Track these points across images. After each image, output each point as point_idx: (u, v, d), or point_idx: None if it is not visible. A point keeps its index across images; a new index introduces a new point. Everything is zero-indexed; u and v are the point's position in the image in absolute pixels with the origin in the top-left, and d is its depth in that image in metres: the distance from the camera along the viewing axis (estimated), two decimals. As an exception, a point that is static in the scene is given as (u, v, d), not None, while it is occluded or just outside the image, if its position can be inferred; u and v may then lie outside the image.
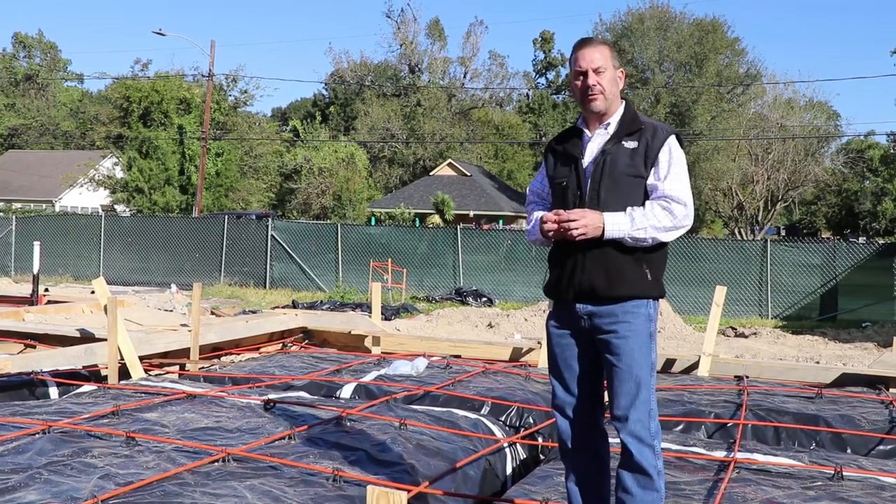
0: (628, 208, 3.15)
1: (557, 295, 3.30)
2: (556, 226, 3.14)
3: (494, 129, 57.78)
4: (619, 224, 3.10)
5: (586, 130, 3.33)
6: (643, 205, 3.17)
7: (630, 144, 3.21)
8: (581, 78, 3.26)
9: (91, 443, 4.46)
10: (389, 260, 20.80)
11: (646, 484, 3.17)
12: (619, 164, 3.16)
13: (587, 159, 3.26)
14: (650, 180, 3.19)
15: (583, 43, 3.29)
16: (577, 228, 3.09)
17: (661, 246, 3.25)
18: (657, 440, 3.20)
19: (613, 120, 3.28)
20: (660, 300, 3.30)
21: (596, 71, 3.22)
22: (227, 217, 25.52)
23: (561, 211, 3.15)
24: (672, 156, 3.21)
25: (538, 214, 3.34)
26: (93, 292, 9.60)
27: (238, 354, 8.57)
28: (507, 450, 5.03)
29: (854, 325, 16.92)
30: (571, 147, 3.33)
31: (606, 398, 3.30)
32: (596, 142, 3.28)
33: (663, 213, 3.14)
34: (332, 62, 71.37)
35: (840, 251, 18.83)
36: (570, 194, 3.25)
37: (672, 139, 3.23)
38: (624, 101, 3.33)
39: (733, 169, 40.66)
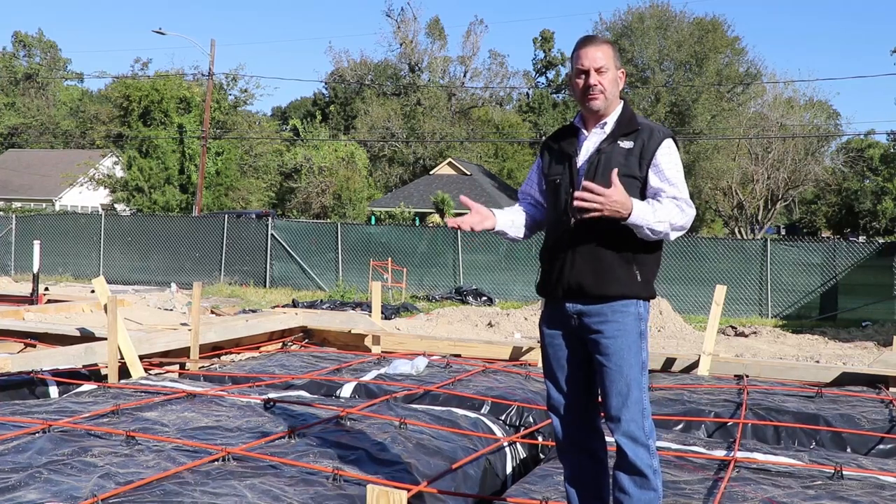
0: (648, 199, 3.13)
1: (547, 293, 3.30)
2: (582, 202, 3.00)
3: (494, 128, 57.78)
4: (644, 212, 3.04)
5: (583, 129, 3.32)
6: None
7: (626, 144, 3.19)
8: (583, 76, 3.22)
9: (91, 442, 4.46)
10: (389, 259, 20.79)
11: (643, 484, 3.17)
12: (613, 163, 3.13)
13: (582, 158, 3.25)
14: (653, 182, 3.17)
15: (586, 41, 3.25)
16: (592, 202, 2.97)
17: (656, 248, 3.25)
18: (652, 439, 3.20)
19: (611, 120, 3.27)
20: (653, 300, 3.29)
21: (598, 70, 3.19)
22: (227, 216, 25.52)
23: (591, 184, 3.01)
24: (672, 158, 3.20)
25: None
26: (93, 291, 9.60)
27: (238, 353, 8.56)
28: (507, 449, 5.03)
29: (854, 324, 16.91)
30: (567, 145, 3.32)
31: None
32: (592, 141, 3.27)
33: (677, 210, 3.11)
34: (332, 61, 71.58)
35: (840, 250, 18.80)
36: (562, 192, 3.24)
37: (669, 141, 3.22)
38: (622, 102, 3.32)
39: (733, 168, 40.70)
